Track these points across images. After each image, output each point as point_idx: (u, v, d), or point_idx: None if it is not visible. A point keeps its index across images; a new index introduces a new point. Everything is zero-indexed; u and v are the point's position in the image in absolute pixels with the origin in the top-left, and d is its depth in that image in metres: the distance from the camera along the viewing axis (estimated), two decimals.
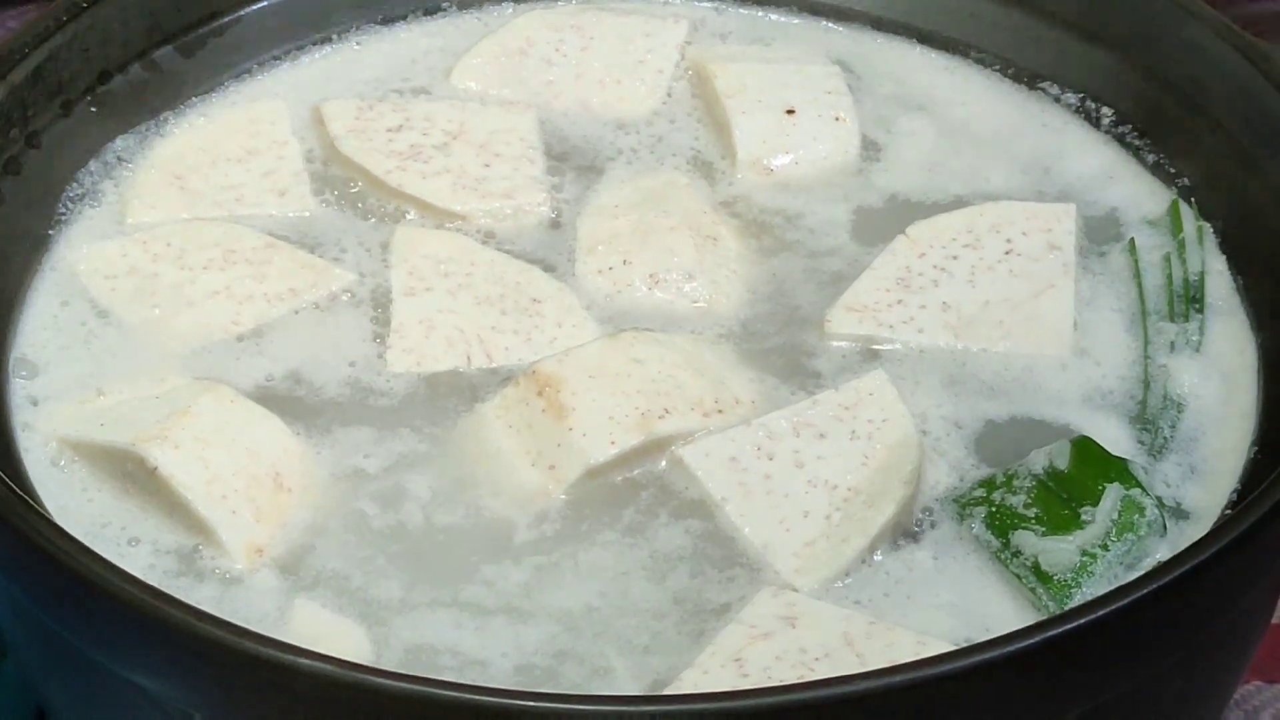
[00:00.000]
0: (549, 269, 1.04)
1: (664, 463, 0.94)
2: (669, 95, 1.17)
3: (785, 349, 1.01)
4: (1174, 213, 1.08)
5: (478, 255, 1.04)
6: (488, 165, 1.10)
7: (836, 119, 1.13)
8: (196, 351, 0.99)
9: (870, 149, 1.13)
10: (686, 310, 1.02)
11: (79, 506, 0.91)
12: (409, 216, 1.07)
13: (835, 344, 1.00)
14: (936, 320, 1.01)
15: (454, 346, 0.99)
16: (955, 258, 1.04)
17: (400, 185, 1.08)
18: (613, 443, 0.93)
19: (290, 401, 0.97)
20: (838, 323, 1.00)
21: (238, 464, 0.91)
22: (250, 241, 1.03)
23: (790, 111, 1.13)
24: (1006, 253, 1.04)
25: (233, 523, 0.89)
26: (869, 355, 1.00)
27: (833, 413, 0.94)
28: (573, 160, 1.12)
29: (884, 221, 1.08)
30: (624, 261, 1.04)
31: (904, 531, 0.91)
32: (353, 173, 1.10)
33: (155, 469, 0.89)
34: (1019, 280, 1.03)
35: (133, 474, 0.90)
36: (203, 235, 1.04)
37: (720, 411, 0.95)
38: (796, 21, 1.23)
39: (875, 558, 0.90)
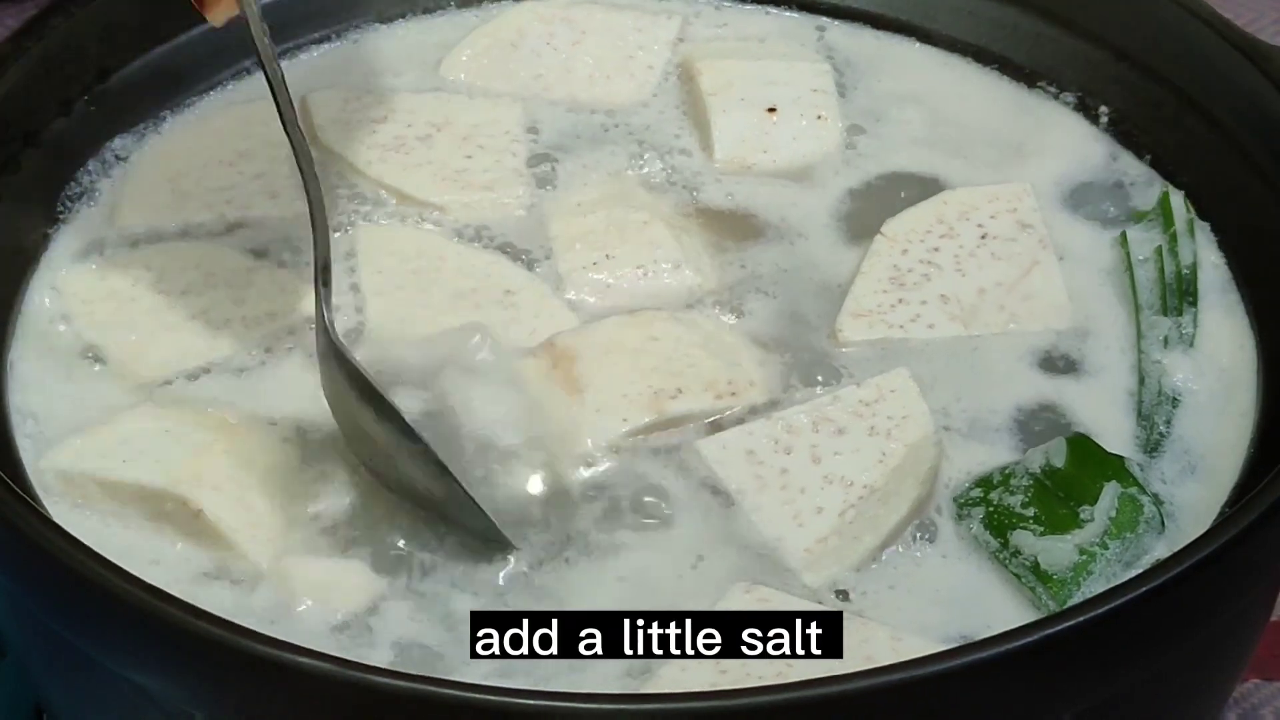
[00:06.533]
0: (531, 262, 1.04)
1: (680, 451, 0.94)
2: (657, 91, 1.17)
3: (789, 346, 1.01)
4: (1164, 205, 1.08)
5: (445, 250, 1.04)
6: (469, 157, 1.10)
7: (819, 117, 1.13)
8: (173, 377, 0.98)
9: (860, 145, 1.13)
10: (680, 292, 1.02)
11: None
12: (388, 208, 1.07)
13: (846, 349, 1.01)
14: (941, 313, 1.02)
15: (433, 344, 0.98)
16: (937, 250, 1.04)
17: (379, 176, 1.08)
18: (624, 420, 0.93)
19: (278, 419, 0.96)
20: (849, 330, 1.01)
21: (273, 500, 0.91)
22: (231, 263, 1.03)
23: (772, 110, 1.13)
24: (983, 237, 1.05)
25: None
26: (881, 351, 1.00)
27: (853, 409, 0.94)
28: (558, 154, 1.12)
29: (866, 216, 1.08)
30: (607, 256, 1.04)
31: (916, 529, 0.91)
32: (335, 164, 1.10)
33: (199, 512, 0.89)
34: (1003, 263, 1.04)
35: (170, 514, 0.90)
36: (184, 257, 1.03)
37: (733, 394, 0.96)
38: (794, 17, 1.23)
39: (883, 556, 0.90)
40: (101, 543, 0.84)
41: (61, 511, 0.90)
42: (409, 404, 0.92)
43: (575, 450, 0.93)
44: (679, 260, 1.04)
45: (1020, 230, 1.06)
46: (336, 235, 1.05)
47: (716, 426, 0.95)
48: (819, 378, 0.98)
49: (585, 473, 0.93)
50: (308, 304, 1.00)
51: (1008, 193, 1.08)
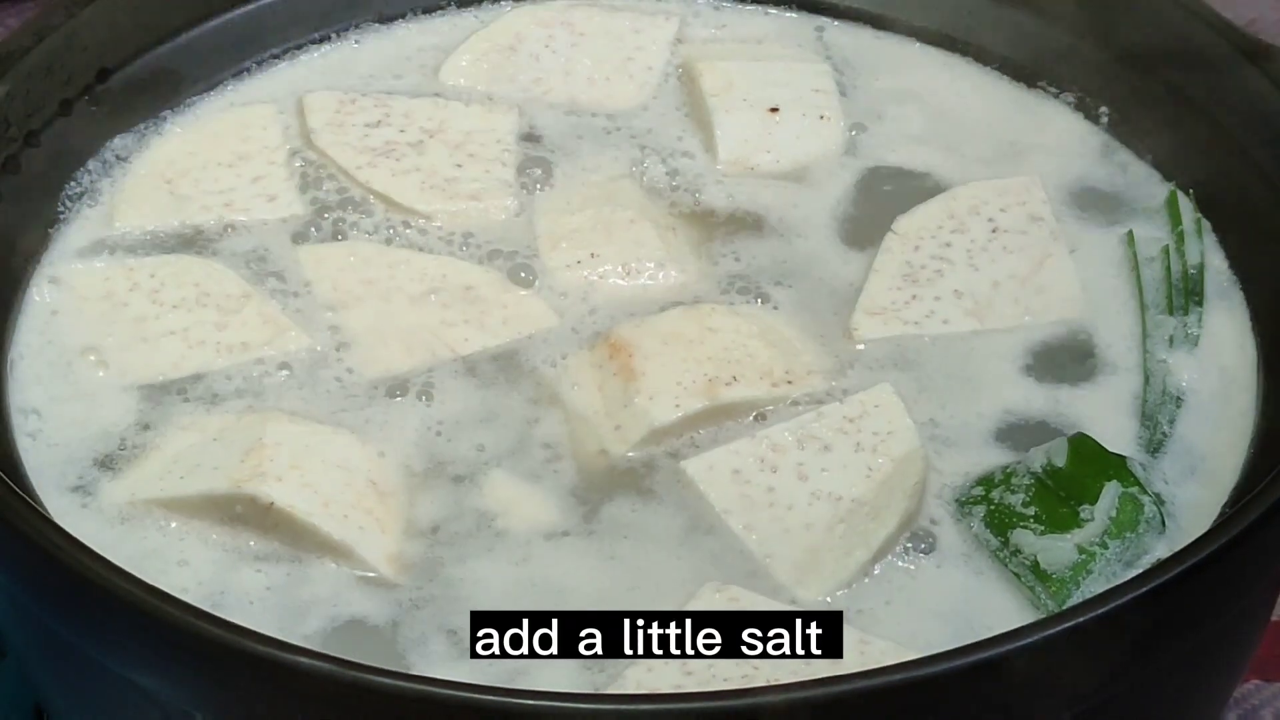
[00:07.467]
0: (519, 267, 1.04)
1: (676, 477, 0.93)
2: (658, 93, 1.17)
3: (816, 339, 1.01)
4: (1172, 204, 1.08)
5: (392, 257, 1.04)
6: (459, 165, 1.09)
7: (821, 117, 1.13)
8: (143, 388, 0.97)
9: (858, 144, 1.13)
10: (663, 294, 1.02)
11: None
12: (374, 216, 1.07)
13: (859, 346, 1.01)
14: (956, 308, 1.02)
15: (413, 348, 0.99)
16: (949, 245, 1.05)
17: (368, 181, 1.08)
18: (677, 406, 0.94)
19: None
20: (864, 329, 1.01)
21: (338, 481, 0.90)
22: (228, 287, 1.01)
23: (774, 110, 1.13)
24: (993, 231, 1.05)
25: (364, 539, 0.89)
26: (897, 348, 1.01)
27: (837, 425, 0.94)
28: (557, 157, 1.12)
29: (868, 216, 1.08)
30: (591, 255, 1.04)
31: (908, 540, 0.91)
32: (327, 166, 1.10)
33: (271, 504, 0.88)
34: (1015, 256, 1.04)
35: (243, 515, 0.89)
36: (189, 272, 1.02)
37: (789, 382, 0.96)
38: (793, 17, 1.23)
39: (875, 570, 0.89)
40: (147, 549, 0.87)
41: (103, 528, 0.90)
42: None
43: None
44: (663, 259, 1.04)
45: (1031, 223, 1.06)
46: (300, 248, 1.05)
47: (764, 419, 0.96)
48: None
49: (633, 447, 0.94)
50: (285, 341, 0.99)
51: (1017, 186, 1.08)
